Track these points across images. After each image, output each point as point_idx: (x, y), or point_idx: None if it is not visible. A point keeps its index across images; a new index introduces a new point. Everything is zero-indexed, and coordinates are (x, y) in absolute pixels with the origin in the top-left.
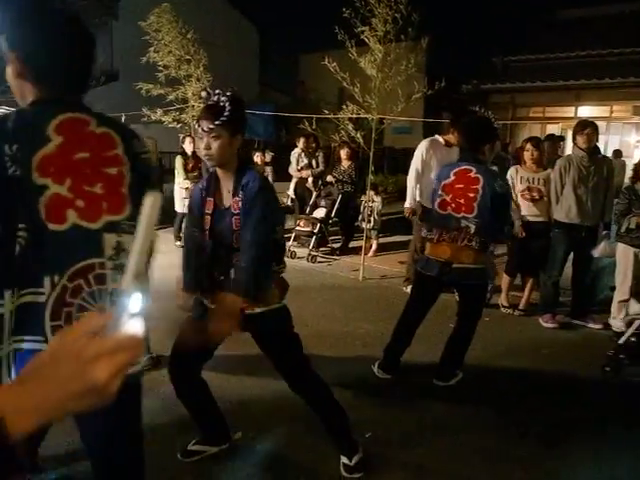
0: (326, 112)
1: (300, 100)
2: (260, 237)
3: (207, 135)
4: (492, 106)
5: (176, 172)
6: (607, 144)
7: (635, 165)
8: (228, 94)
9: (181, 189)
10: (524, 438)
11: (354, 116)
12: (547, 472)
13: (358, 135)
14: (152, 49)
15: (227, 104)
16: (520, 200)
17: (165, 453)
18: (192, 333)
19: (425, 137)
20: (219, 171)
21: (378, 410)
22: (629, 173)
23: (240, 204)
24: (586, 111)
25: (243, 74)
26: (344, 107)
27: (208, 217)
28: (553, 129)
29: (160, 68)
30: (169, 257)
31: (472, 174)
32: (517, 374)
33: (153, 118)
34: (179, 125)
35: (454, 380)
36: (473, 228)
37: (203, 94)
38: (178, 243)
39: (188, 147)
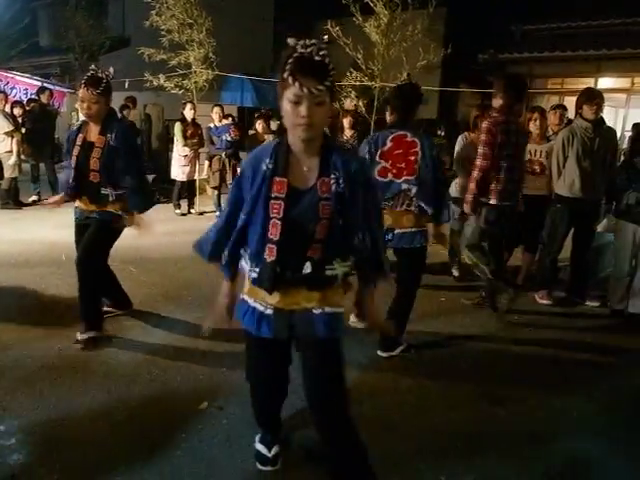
0: None
1: None
2: (377, 220)
3: (309, 98)
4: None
5: (175, 139)
6: (627, 117)
7: (633, 138)
8: (325, 47)
9: (180, 156)
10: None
11: (357, 84)
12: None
13: (360, 103)
14: (154, 12)
15: (328, 60)
16: None
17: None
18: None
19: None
20: (298, 145)
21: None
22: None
23: (333, 186)
24: (606, 83)
25: (256, 41)
26: (347, 74)
27: (279, 202)
28: (571, 101)
29: (163, 33)
30: (168, 225)
31: (408, 138)
32: (504, 349)
33: (155, 84)
34: (181, 91)
35: (398, 350)
36: (414, 190)
37: (290, 41)
38: (177, 211)
39: (189, 113)
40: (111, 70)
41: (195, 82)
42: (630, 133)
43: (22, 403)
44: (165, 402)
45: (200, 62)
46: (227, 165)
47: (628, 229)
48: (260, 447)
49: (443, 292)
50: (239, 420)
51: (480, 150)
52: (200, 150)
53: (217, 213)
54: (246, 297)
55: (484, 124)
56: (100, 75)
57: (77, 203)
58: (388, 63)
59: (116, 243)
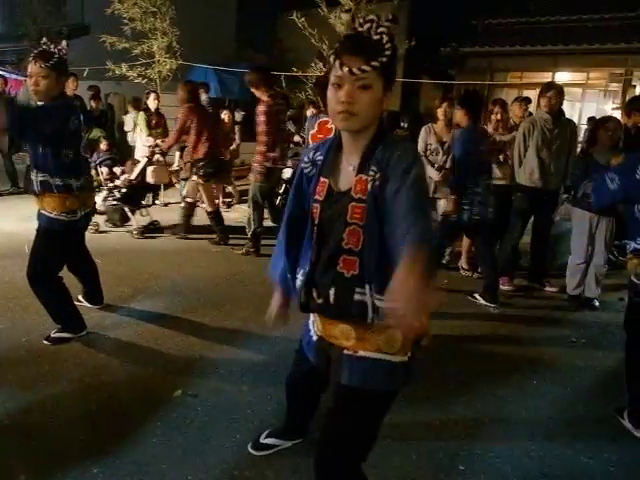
0: (294, 70)
1: (277, 60)
2: (424, 203)
3: (351, 81)
4: (470, 70)
5: (139, 129)
6: (582, 111)
7: (591, 129)
8: (387, 24)
9: (144, 147)
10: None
11: (322, 74)
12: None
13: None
14: (116, 0)
15: (386, 38)
16: None
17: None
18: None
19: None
20: (348, 138)
21: None
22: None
23: (369, 185)
24: (563, 77)
25: (219, 30)
26: (312, 65)
27: (317, 206)
28: (530, 94)
29: (125, 21)
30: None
31: (329, 124)
32: (467, 333)
33: (118, 73)
34: (144, 81)
35: None
36: None
37: (344, 16)
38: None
39: (152, 103)
40: (64, 43)
41: (159, 71)
42: (586, 126)
43: None
44: (138, 391)
45: (164, 51)
46: None
47: (585, 217)
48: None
49: None
50: (213, 407)
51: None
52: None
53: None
54: (312, 315)
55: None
56: (52, 50)
57: None
58: None
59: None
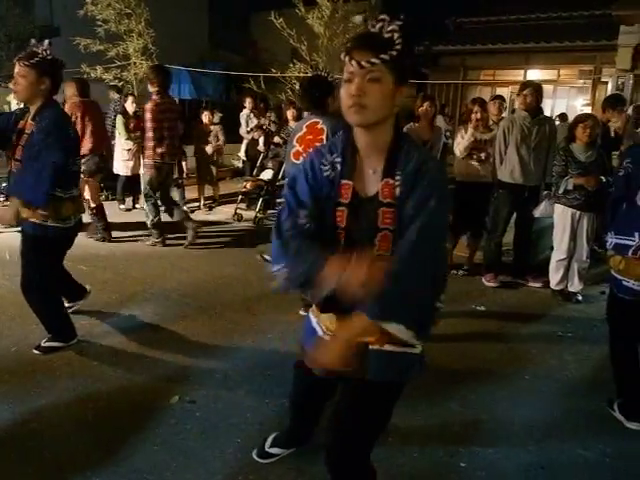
0: (273, 71)
1: (252, 60)
2: (431, 242)
3: (361, 74)
4: (443, 68)
5: (117, 133)
6: (554, 108)
7: (570, 125)
8: (399, 23)
9: (123, 150)
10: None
11: (301, 75)
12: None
13: None
14: (90, 1)
15: (397, 35)
16: (466, 160)
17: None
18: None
19: None
20: (361, 140)
21: None
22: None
23: (398, 190)
24: (535, 74)
25: (191, 31)
26: (291, 66)
27: (343, 210)
28: (503, 92)
29: (99, 23)
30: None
31: (319, 125)
32: (453, 332)
33: (93, 76)
34: (120, 83)
35: None
36: None
37: (357, 19)
38: (122, 207)
39: (130, 106)
40: (46, 42)
41: (135, 74)
42: (558, 122)
43: None
44: (134, 399)
45: (140, 53)
46: None
47: (567, 213)
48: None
49: None
50: (212, 412)
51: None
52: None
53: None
54: (312, 314)
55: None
56: (36, 50)
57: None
58: (332, 54)
59: None
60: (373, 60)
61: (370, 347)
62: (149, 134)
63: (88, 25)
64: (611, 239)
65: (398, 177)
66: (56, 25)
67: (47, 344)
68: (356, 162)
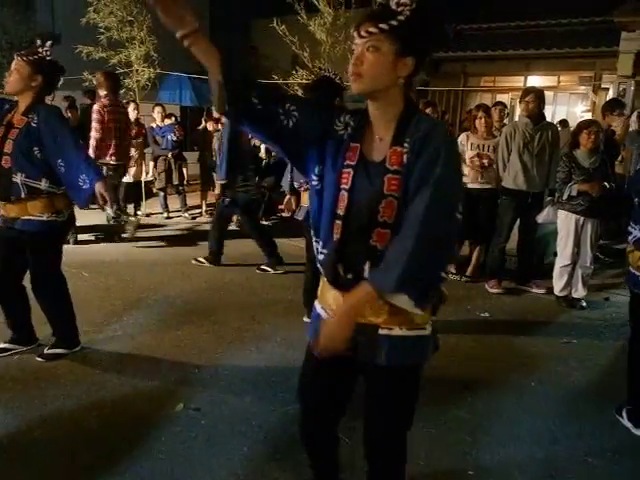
0: (275, 78)
1: (253, 66)
2: (442, 212)
3: (361, 43)
4: (443, 75)
5: None
6: (554, 114)
7: (573, 132)
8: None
9: None
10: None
11: (303, 81)
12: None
13: None
14: (92, 9)
15: (404, 8)
16: (470, 166)
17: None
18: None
19: None
20: (374, 111)
21: None
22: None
23: (404, 158)
24: (535, 81)
25: None
26: (294, 72)
27: (349, 171)
28: (503, 98)
29: (101, 30)
30: None
31: None
32: (459, 338)
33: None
34: (122, 91)
35: None
36: None
37: None
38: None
39: (132, 113)
40: (48, 43)
41: (137, 81)
42: (559, 128)
43: None
44: (139, 407)
45: (142, 60)
46: (173, 165)
47: (571, 219)
48: None
49: None
50: (218, 419)
51: None
52: (145, 151)
53: (164, 215)
54: (316, 302)
55: None
56: (37, 49)
57: None
58: (335, 61)
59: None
60: (371, 29)
61: (380, 332)
62: (93, 133)
63: (90, 32)
64: (635, 233)
65: (406, 145)
66: (57, 32)
67: (51, 351)
68: (366, 129)
